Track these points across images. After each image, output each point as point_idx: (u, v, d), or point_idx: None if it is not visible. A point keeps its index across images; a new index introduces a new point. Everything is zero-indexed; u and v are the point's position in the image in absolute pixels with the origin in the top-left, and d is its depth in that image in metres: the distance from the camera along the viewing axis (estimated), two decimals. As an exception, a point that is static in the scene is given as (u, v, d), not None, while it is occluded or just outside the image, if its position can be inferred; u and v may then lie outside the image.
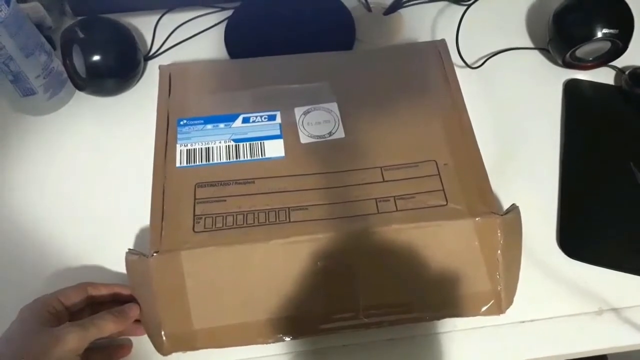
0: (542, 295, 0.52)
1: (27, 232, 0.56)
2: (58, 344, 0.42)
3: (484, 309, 0.49)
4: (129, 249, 0.50)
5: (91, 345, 0.44)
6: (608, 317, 0.51)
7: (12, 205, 0.58)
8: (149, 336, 0.48)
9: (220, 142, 0.56)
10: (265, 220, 0.50)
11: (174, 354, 0.47)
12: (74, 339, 0.42)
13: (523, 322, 0.51)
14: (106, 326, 0.45)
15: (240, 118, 0.57)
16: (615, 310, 0.51)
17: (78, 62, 0.60)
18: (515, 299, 0.50)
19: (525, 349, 0.50)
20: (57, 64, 0.62)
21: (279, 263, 0.48)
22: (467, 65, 0.65)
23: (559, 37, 0.64)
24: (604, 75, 0.66)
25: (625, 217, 0.56)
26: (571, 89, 0.65)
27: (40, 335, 0.42)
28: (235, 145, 0.55)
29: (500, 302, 0.49)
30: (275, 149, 0.55)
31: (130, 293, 0.49)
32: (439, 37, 0.66)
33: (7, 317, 0.44)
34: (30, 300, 0.46)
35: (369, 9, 0.71)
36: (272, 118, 0.58)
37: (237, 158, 0.55)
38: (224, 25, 0.70)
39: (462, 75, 0.62)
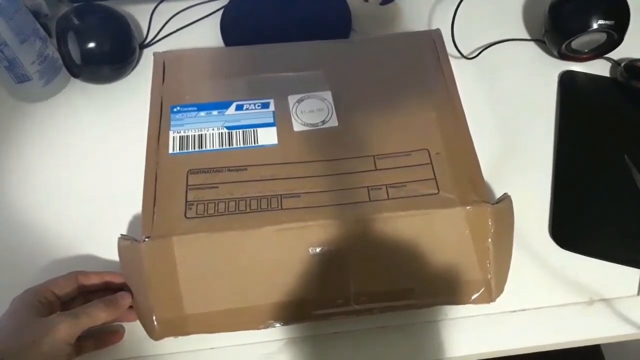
0: (533, 284, 0.52)
1: (19, 220, 0.56)
2: (49, 333, 0.42)
3: (474, 297, 0.49)
4: (121, 235, 0.50)
5: (83, 333, 0.44)
6: (599, 308, 0.51)
7: (4, 192, 0.58)
8: (141, 321, 0.48)
9: (213, 129, 0.56)
10: (257, 207, 0.50)
11: (165, 339, 0.47)
12: (65, 328, 0.43)
13: (514, 311, 0.51)
14: (98, 315, 0.45)
15: (233, 105, 0.57)
16: (606, 300, 0.51)
17: (73, 49, 0.60)
18: (506, 288, 0.50)
19: (515, 338, 0.50)
20: (53, 50, 0.62)
21: (271, 250, 0.49)
22: (463, 56, 0.65)
23: (555, 29, 0.64)
24: (599, 67, 0.66)
25: (617, 209, 0.56)
26: (567, 81, 0.65)
27: (32, 325, 0.42)
28: (228, 133, 0.55)
29: (491, 290, 0.49)
30: (268, 136, 0.55)
31: (122, 281, 0.49)
32: (434, 27, 0.66)
33: (-1, 307, 0.44)
34: (22, 291, 0.46)
35: (365, -1, 0.71)
36: (265, 106, 0.58)
37: (229, 145, 0.55)
38: (220, 13, 0.70)
39: (457, 66, 0.62)
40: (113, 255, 0.50)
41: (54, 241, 0.55)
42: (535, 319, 0.51)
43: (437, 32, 0.64)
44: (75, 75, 0.63)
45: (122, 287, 0.49)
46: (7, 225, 0.56)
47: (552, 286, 0.52)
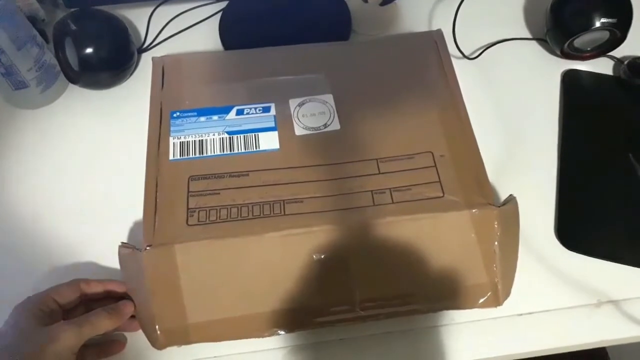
0: (540, 287, 0.51)
1: (19, 227, 0.55)
2: (54, 342, 0.41)
3: (481, 301, 0.48)
4: (122, 243, 0.50)
5: (86, 342, 0.44)
6: (606, 310, 0.51)
7: (3, 200, 0.57)
8: (144, 331, 0.47)
9: (213, 135, 0.55)
10: (260, 213, 0.50)
11: (168, 348, 0.47)
12: (70, 337, 0.42)
13: (521, 314, 0.50)
14: (101, 324, 0.45)
15: (234, 110, 0.57)
16: (613, 302, 0.51)
17: (71, 54, 0.59)
18: (513, 291, 0.50)
19: (522, 341, 0.49)
20: (50, 57, 0.61)
21: (274, 256, 0.48)
22: (464, 56, 0.65)
23: (557, 27, 0.63)
24: (602, 66, 0.65)
25: (623, 209, 0.55)
26: (569, 80, 0.64)
27: (36, 334, 0.42)
28: (229, 138, 0.55)
29: (498, 294, 0.48)
30: (269, 141, 0.55)
31: (125, 289, 0.49)
32: (435, 28, 0.65)
33: (0, 315, 0.44)
34: (23, 298, 0.45)
35: (365, 0, 0.70)
36: (266, 110, 0.57)
37: (231, 150, 0.54)
38: (218, 16, 0.69)
39: (459, 66, 0.61)
40: (114, 262, 0.49)
41: (54, 249, 0.54)
42: (542, 321, 0.50)
43: (439, 33, 0.64)
44: (73, 81, 0.62)
45: (124, 296, 0.49)
46: (7, 232, 0.55)
47: (559, 288, 0.51)
